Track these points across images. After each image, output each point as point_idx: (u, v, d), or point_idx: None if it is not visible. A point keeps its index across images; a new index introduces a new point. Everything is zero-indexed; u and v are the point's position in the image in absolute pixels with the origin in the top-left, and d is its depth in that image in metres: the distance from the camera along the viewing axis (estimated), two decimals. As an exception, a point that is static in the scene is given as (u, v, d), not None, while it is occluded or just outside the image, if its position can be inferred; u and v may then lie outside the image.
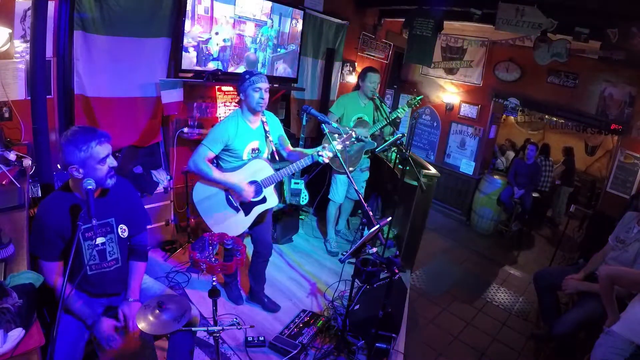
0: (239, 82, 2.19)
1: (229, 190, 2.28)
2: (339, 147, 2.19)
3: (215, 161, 2.30)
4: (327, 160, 2.17)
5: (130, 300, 1.68)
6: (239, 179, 2.23)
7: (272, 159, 2.37)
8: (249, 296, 2.73)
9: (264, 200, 2.34)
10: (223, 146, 2.19)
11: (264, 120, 2.32)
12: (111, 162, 1.54)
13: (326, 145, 2.21)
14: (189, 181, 3.30)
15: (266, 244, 2.56)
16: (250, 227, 2.40)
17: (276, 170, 2.30)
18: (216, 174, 2.18)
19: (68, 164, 1.46)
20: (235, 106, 3.68)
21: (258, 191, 2.29)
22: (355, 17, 4.74)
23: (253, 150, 2.30)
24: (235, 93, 3.66)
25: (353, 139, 2.20)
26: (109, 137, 1.54)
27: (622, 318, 1.86)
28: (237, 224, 2.33)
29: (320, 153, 2.14)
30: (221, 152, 2.22)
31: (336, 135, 2.21)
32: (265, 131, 2.32)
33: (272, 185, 2.33)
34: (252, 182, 2.27)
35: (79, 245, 1.56)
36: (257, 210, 2.35)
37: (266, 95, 2.19)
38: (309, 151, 2.27)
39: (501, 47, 5.20)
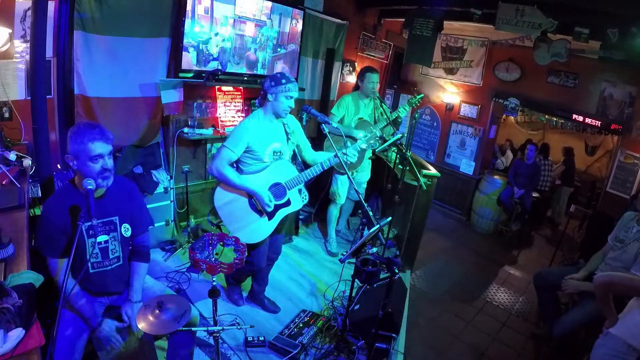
0: (271, 81, 2.12)
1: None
2: (364, 145, 2.20)
3: (235, 164, 2.25)
4: (354, 160, 2.20)
5: (133, 301, 1.68)
6: (262, 182, 2.18)
7: (293, 160, 2.37)
8: (249, 296, 2.73)
9: (288, 202, 2.30)
10: (245, 147, 2.13)
11: (285, 122, 2.28)
12: (105, 163, 1.52)
13: (349, 144, 2.22)
14: (188, 181, 3.30)
15: (276, 250, 2.55)
16: None
17: (300, 171, 2.27)
18: (239, 179, 2.13)
19: (67, 153, 1.50)
20: (236, 105, 3.68)
21: (282, 193, 2.26)
22: (355, 17, 4.74)
23: (275, 152, 2.25)
24: (236, 93, 3.66)
25: (377, 137, 2.20)
26: (108, 137, 1.53)
27: (621, 320, 1.85)
28: (261, 228, 2.27)
29: (345, 153, 2.18)
30: (242, 154, 2.16)
31: (361, 134, 2.22)
32: (287, 133, 2.29)
33: (297, 187, 2.30)
34: (275, 184, 2.24)
35: (82, 242, 1.57)
36: (282, 213, 2.30)
37: (293, 103, 2.17)
38: (330, 153, 2.27)
39: (501, 47, 5.21)
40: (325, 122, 2.19)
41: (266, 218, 2.26)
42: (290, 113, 2.27)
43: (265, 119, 2.21)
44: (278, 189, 2.25)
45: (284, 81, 2.11)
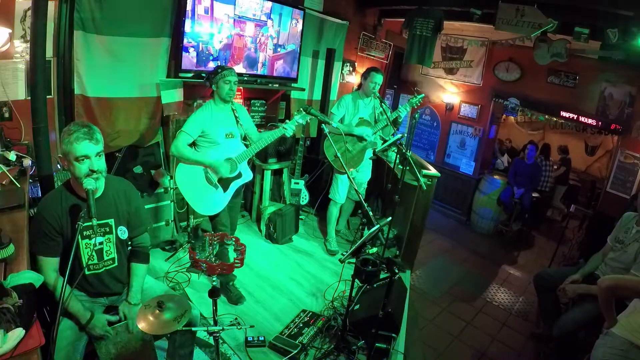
0: (212, 74, 2.46)
1: (208, 169, 2.50)
2: (302, 120, 2.50)
3: (193, 148, 2.52)
4: (292, 132, 2.51)
5: (132, 302, 1.68)
6: (216, 156, 2.48)
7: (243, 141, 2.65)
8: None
9: (239, 175, 2.59)
10: (200, 132, 2.42)
11: (234, 108, 2.58)
12: (92, 164, 1.47)
13: (288, 121, 2.53)
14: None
15: (233, 226, 2.77)
16: None
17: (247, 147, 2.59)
18: (196, 154, 2.45)
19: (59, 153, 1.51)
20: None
21: (234, 167, 2.55)
22: (355, 17, 4.74)
23: (227, 134, 2.52)
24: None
25: (315, 115, 2.46)
26: (95, 137, 1.48)
27: (622, 319, 1.85)
28: (218, 200, 2.55)
29: (285, 127, 2.49)
30: (198, 139, 2.45)
31: (301, 109, 2.50)
32: (236, 117, 2.57)
33: (246, 161, 2.61)
34: (227, 160, 2.51)
35: (77, 244, 1.55)
36: (235, 185, 2.59)
37: (235, 88, 2.49)
38: (276, 131, 2.56)
39: (501, 47, 5.20)
40: (325, 121, 2.20)
41: (221, 190, 2.55)
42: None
43: (216, 107, 2.51)
44: (229, 163, 2.52)
45: (219, 70, 2.44)
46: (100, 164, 1.52)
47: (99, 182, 1.54)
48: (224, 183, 2.55)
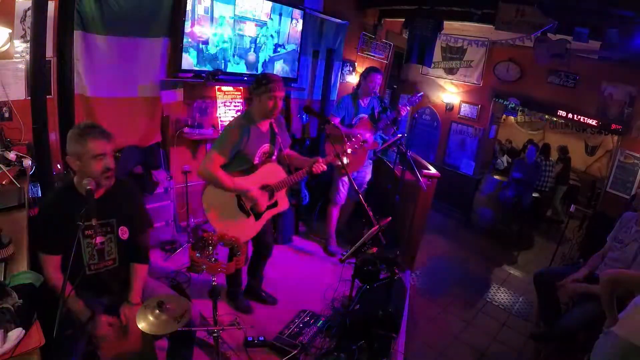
0: (254, 84, 2.14)
1: (243, 195, 2.24)
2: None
3: None
4: (319, 171, 2.26)
5: (132, 302, 1.67)
6: (252, 183, 2.20)
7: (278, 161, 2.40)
8: (246, 292, 2.73)
9: (275, 204, 2.34)
10: (235, 152, 2.13)
11: (273, 121, 2.29)
12: (107, 162, 1.54)
13: (320, 158, 2.26)
14: (188, 181, 3.30)
15: (267, 245, 2.58)
16: None
17: (288, 174, 2.31)
18: (230, 182, 2.13)
19: (67, 154, 1.52)
20: (233, 105, 3.69)
21: (271, 195, 2.29)
22: (355, 17, 4.74)
23: (264, 153, 2.27)
24: (236, 93, 3.65)
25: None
26: (109, 136, 1.55)
27: (622, 319, 1.85)
28: (248, 228, 2.30)
29: (314, 167, 2.24)
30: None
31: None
32: (275, 133, 2.30)
33: (284, 189, 2.34)
34: (264, 186, 2.26)
35: (79, 243, 1.55)
36: (268, 214, 2.35)
37: (280, 103, 2.16)
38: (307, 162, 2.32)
39: (501, 47, 5.20)
40: (325, 122, 2.20)
41: (253, 218, 2.29)
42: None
43: (255, 121, 2.20)
44: (267, 191, 2.27)
45: (264, 82, 2.10)
46: (113, 162, 1.57)
47: (111, 180, 1.59)
48: (257, 211, 2.30)
